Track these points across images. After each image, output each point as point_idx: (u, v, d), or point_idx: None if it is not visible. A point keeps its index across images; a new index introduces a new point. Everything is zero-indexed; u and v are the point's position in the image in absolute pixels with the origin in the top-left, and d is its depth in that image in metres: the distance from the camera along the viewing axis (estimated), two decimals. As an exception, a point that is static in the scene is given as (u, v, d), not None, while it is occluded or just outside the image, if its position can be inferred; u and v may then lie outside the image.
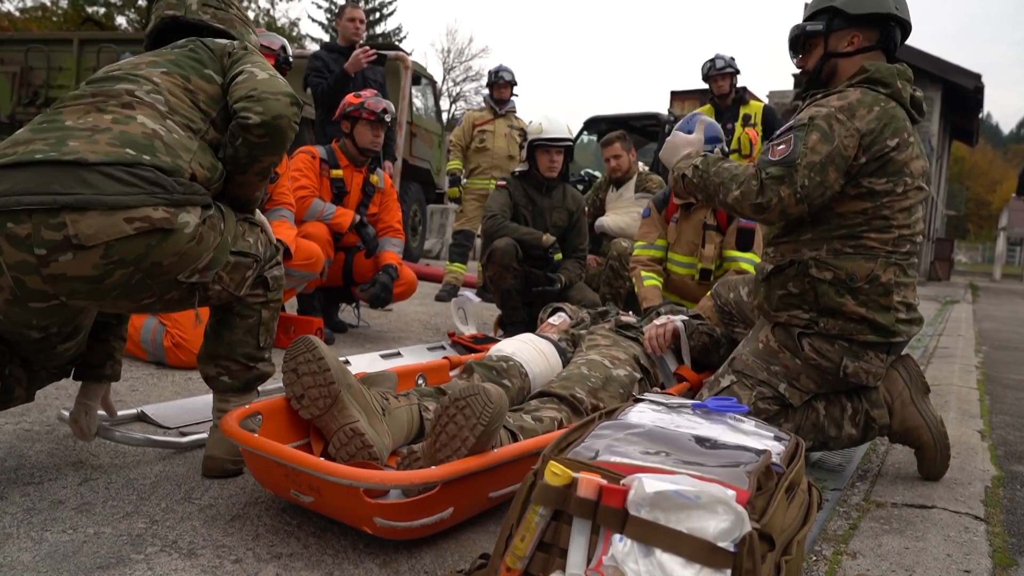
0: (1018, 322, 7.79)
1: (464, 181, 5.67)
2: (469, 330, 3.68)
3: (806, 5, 2.16)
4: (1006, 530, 1.77)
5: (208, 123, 1.65)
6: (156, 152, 1.48)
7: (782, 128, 1.95)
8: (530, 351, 2.28)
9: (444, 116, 11.85)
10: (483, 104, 5.74)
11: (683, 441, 1.19)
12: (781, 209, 1.86)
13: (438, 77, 29.11)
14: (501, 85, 5.53)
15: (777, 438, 1.30)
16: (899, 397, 2.05)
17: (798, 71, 2.17)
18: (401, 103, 6.67)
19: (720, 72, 4.93)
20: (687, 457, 1.13)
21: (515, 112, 5.62)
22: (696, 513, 0.96)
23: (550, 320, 2.76)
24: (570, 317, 2.76)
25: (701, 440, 1.21)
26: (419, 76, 9.10)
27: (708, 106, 5.10)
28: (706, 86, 5.15)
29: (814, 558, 1.55)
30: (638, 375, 2.23)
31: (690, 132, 3.19)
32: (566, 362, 2.32)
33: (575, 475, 1.04)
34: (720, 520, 0.95)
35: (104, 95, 1.55)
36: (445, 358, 2.46)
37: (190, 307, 1.63)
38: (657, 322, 2.45)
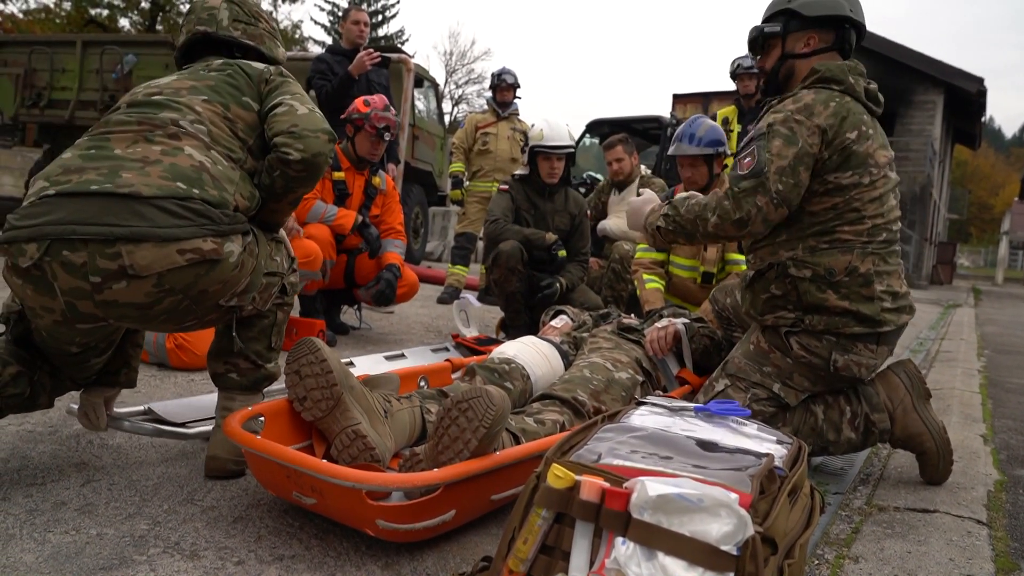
0: (1020, 326, 7.78)
1: (466, 183, 5.67)
2: (471, 332, 3.68)
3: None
4: (1009, 535, 1.76)
5: (246, 151, 1.71)
6: (204, 186, 1.54)
7: (744, 140, 1.99)
8: (532, 353, 2.28)
9: (446, 119, 11.87)
10: (486, 106, 5.75)
11: (685, 444, 1.19)
12: (763, 218, 1.88)
13: (440, 80, 29.20)
14: (504, 88, 5.53)
15: (779, 441, 1.30)
16: (900, 404, 2.04)
17: (757, 70, 2.20)
18: (403, 105, 6.69)
19: (747, 71, 4.90)
20: (690, 460, 1.13)
21: (518, 115, 5.63)
22: (699, 516, 0.96)
23: (552, 323, 2.76)
24: (572, 320, 2.77)
25: (703, 444, 1.21)
26: (421, 79, 9.12)
27: (732, 107, 5.08)
28: (708, 89, 5.16)
29: (816, 562, 1.55)
30: (640, 378, 2.23)
31: (692, 135, 3.22)
32: (568, 365, 2.32)
33: (578, 478, 1.05)
34: (723, 523, 0.95)
35: (150, 124, 1.60)
36: (447, 360, 2.46)
37: (226, 324, 1.72)
38: (659, 325, 2.45)
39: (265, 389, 1.89)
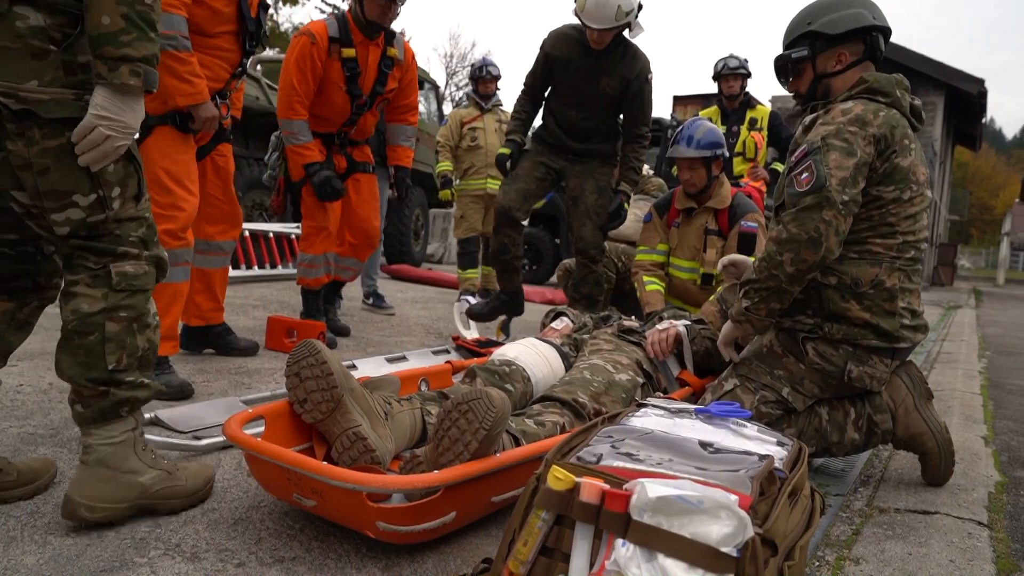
0: (1022, 327, 7.77)
1: (457, 182, 5.56)
2: (471, 334, 3.69)
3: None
4: (1010, 536, 1.76)
5: None
6: None
7: (797, 153, 1.96)
8: (533, 355, 2.29)
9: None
10: (467, 101, 5.50)
11: (686, 446, 1.20)
12: (835, 231, 1.83)
13: (440, 82, 29.20)
14: (488, 80, 5.28)
15: (780, 443, 1.30)
16: (902, 404, 2.05)
17: (791, 94, 2.18)
18: (404, 108, 6.68)
19: (732, 72, 4.89)
20: (690, 462, 1.13)
21: (501, 105, 5.38)
22: (699, 518, 0.96)
23: (552, 324, 2.76)
24: (572, 322, 2.77)
25: (704, 445, 1.21)
26: (422, 80, 9.11)
27: (714, 108, 5.06)
28: (710, 90, 5.12)
29: (817, 563, 1.55)
30: (640, 380, 2.23)
31: (690, 138, 3.22)
32: (569, 366, 2.33)
33: (578, 480, 1.05)
34: (723, 525, 0.95)
35: None
36: (448, 362, 2.46)
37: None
38: (660, 327, 2.45)
39: (270, 391, 1.88)
